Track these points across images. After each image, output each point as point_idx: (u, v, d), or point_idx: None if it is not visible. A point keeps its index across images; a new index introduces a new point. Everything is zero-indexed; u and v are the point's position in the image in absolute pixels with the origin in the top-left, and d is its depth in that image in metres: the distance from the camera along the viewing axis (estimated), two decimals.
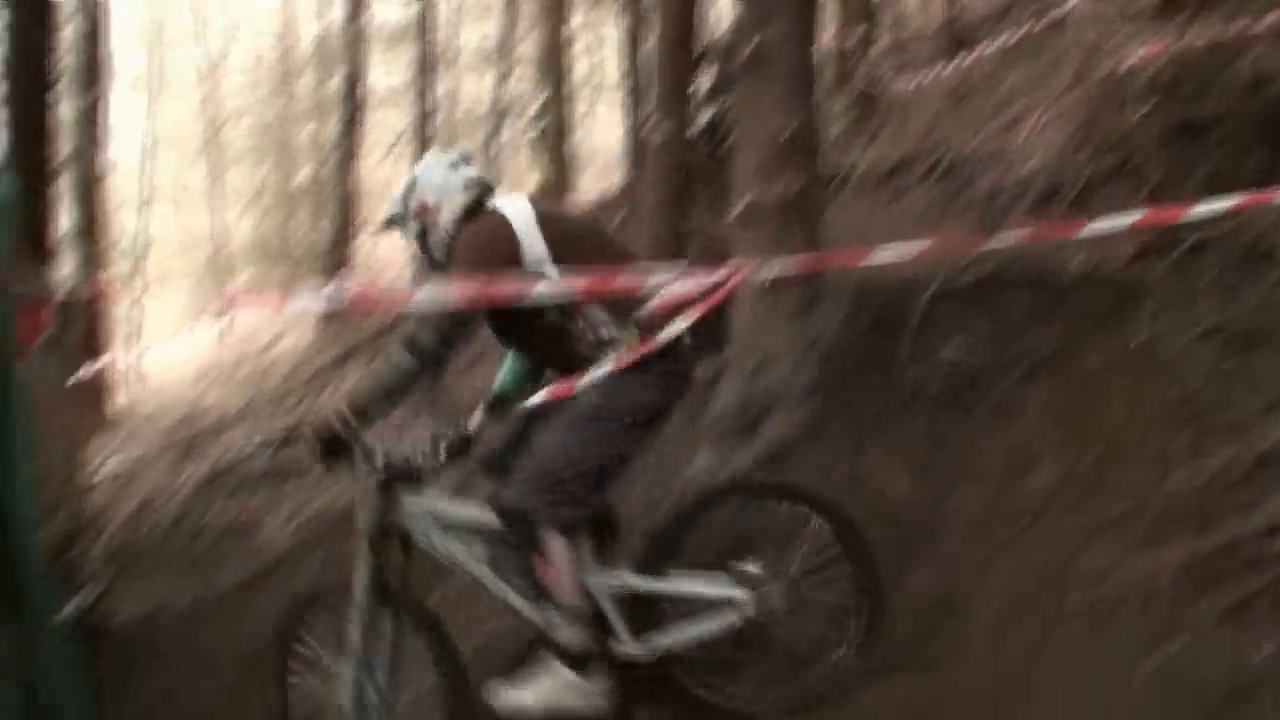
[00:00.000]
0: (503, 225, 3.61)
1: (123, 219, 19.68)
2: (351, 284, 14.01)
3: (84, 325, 13.23)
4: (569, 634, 3.51)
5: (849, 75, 11.26)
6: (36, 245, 7.17)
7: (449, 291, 3.23)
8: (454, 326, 3.46)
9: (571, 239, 3.71)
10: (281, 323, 15.89)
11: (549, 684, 3.49)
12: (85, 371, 11.15)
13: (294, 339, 15.06)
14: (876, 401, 5.53)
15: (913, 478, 5.06)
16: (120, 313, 18.03)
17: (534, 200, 3.80)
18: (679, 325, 3.64)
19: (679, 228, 7.70)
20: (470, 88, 20.63)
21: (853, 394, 5.64)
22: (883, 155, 9.77)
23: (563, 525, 3.47)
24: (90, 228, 13.94)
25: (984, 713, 3.72)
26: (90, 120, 13.99)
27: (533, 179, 14.54)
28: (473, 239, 3.63)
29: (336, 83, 16.29)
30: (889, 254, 4.42)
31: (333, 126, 16.80)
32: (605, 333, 3.67)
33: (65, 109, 12.16)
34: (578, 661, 3.49)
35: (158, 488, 10.47)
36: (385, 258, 17.77)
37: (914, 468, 5.13)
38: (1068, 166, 6.74)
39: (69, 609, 5.86)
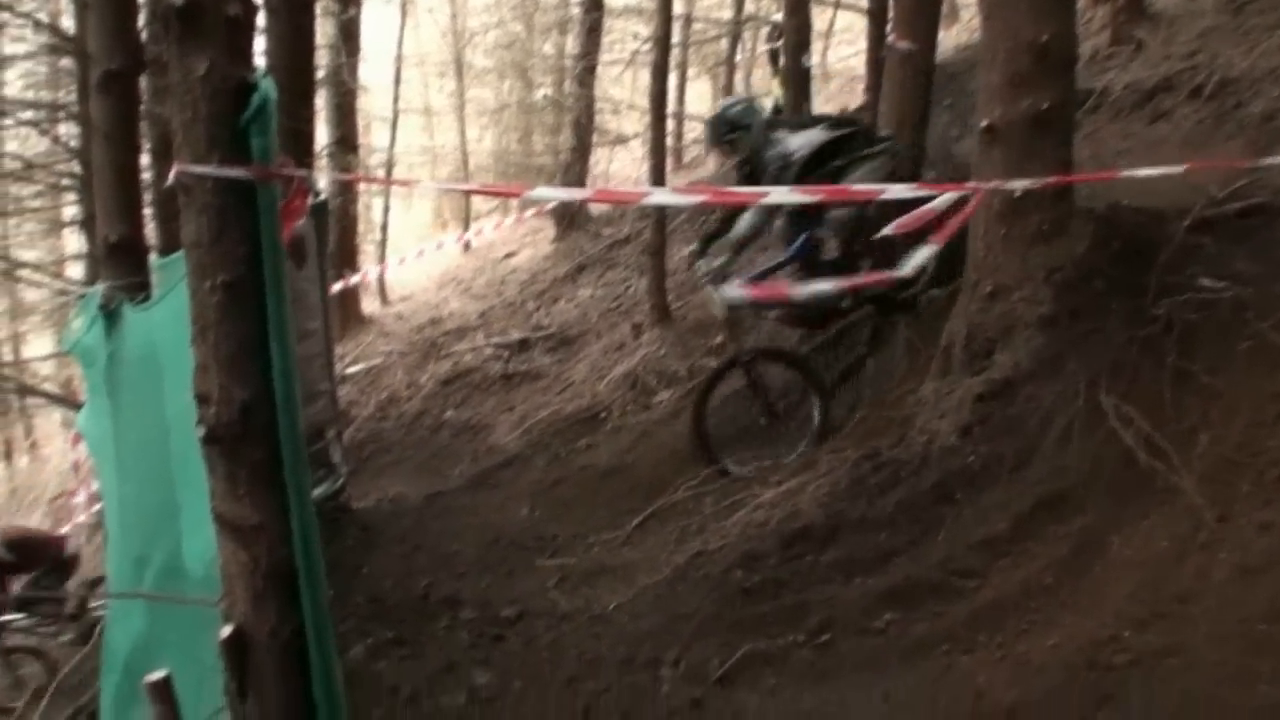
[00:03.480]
0: None
1: (373, 134, 20.65)
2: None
3: (340, 232, 14.11)
4: None
5: None
6: (300, 157, 7.60)
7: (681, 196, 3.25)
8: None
9: None
10: (520, 236, 16.37)
11: None
12: (345, 280, 11.92)
13: (531, 252, 15.50)
14: (1119, 335, 5.22)
15: (1153, 418, 4.75)
16: (371, 222, 18.95)
17: None
18: (923, 254, 3.52)
19: (920, 145, 7.40)
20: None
21: (1094, 326, 5.34)
22: (1146, 71, 9.11)
23: None
24: (346, 141, 14.69)
25: (1216, 673, 3.53)
26: (347, 37, 14.63)
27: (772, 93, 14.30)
28: None
29: None
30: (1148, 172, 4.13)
31: (573, 40, 16.95)
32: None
33: (324, 27, 12.81)
34: None
35: (401, 386, 11.12)
36: (620, 171, 17.96)
37: (1156, 407, 4.81)
38: None
39: (320, 490, 6.38)
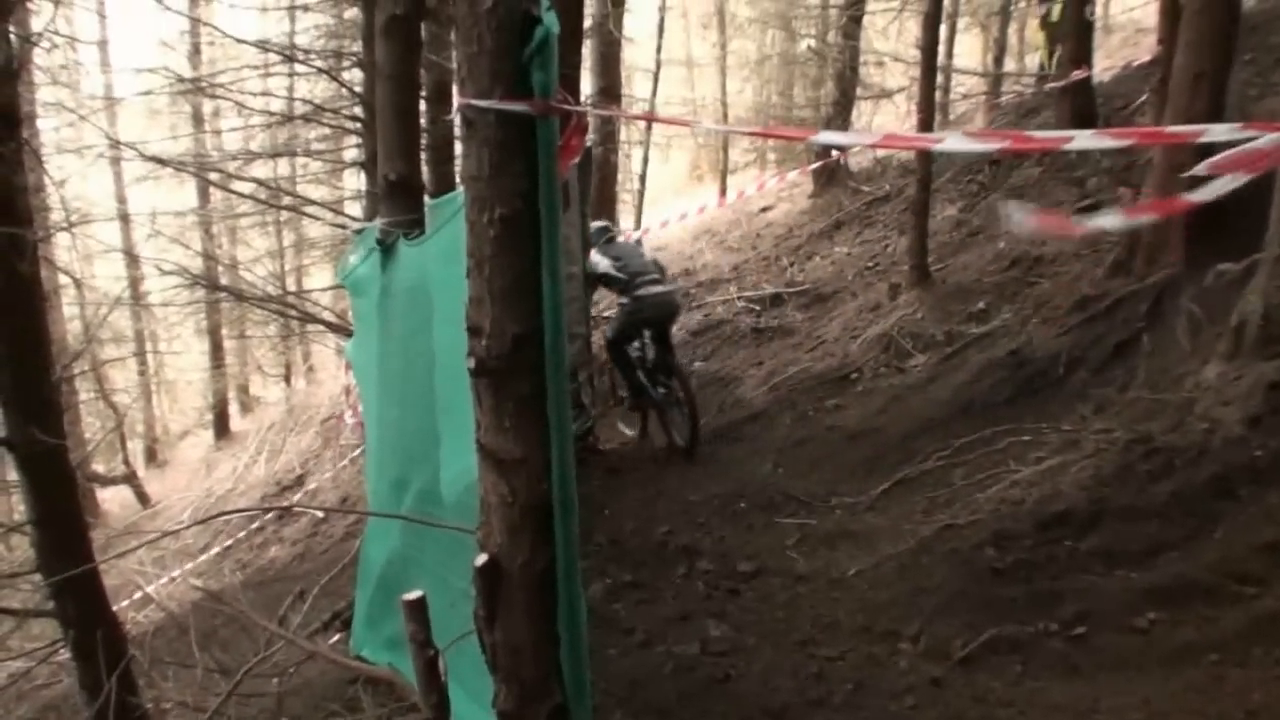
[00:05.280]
0: None
1: (635, 86, 20.84)
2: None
3: (600, 181, 14.35)
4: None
5: None
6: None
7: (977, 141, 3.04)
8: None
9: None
10: (777, 191, 16.21)
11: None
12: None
13: (788, 207, 15.32)
14: None
15: None
16: (630, 172, 19.20)
17: None
18: (1222, 183, 3.13)
19: (1219, 102, 6.76)
20: None
21: None
22: None
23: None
24: (609, 91, 14.88)
25: None
26: None
27: (1039, 48, 13.50)
28: None
29: None
30: None
31: None
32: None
33: None
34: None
35: None
36: (883, 126, 17.48)
37: None
38: None
39: (574, 426, 6.54)
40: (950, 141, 2.33)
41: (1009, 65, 17.85)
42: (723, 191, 19.04)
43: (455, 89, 2.43)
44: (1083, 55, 10.87)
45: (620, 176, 17.44)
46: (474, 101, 2.33)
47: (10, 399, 4.79)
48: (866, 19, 15.57)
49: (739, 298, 11.20)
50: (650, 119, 9.46)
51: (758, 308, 10.78)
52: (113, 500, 18.47)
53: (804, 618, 5.02)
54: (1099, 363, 6.66)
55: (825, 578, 5.39)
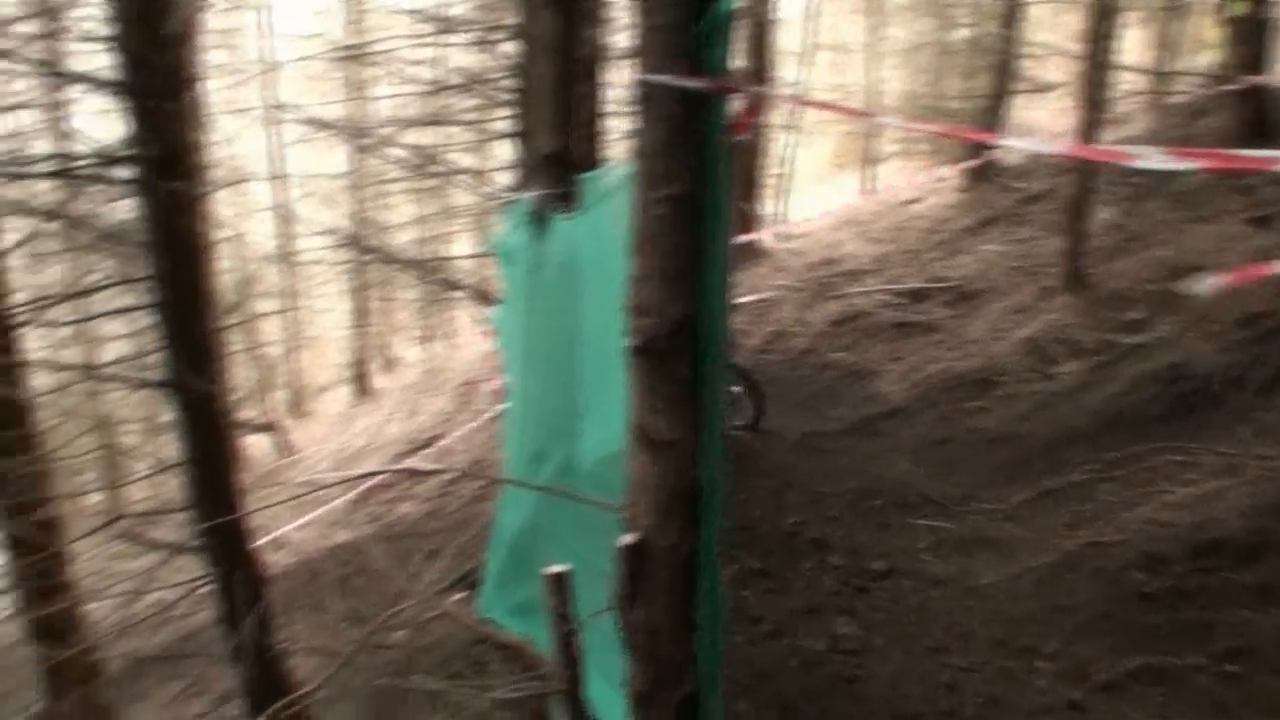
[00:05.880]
0: None
1: (783, 69, 20.50)
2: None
3: (744, 164, 14.25)
4: None
5: None
6: None
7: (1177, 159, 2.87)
8: None
9: None
10: (925, 183, 15.84)
11: None
12: (754, 233, 12.05)
13: (935, 200, 14.94)
14: None
15: None
16: (775, 154, 18.99)
17: None
18: None
19: None
20: None
21: None
22: None
23: None
24: (759, 74, 14.73)
25: None
26: None
27: (1210, 47, 12.81)
28: None
29: None
30: None
31: None
32: None
33: None
34: None
35: (790, 322, 11.11)
36: (1037, 122, 16.92)
37: None
38: None
39: None
40: (1148, 157, 2.19)
41: (1175, 63, 17.06)
42: (868, 182, 18.68)
43: (629, 63, 2.40)
44: (1259, 57, 10.30)
45: (762, 161, 17.30)
46: (652, 77, 2.30)
47: (173, 345, 5.01)
48: (1026, 9, 15.05)
49: (881, 290, 10.96)
50: (824, 106, 9.15)
51: (900, 301, 10.53)
52: (254, 447, 19.22)
53: (936, 624, 4.90)
54: (1262, 384, 6.31)
55: (960, 584, 5.25)
